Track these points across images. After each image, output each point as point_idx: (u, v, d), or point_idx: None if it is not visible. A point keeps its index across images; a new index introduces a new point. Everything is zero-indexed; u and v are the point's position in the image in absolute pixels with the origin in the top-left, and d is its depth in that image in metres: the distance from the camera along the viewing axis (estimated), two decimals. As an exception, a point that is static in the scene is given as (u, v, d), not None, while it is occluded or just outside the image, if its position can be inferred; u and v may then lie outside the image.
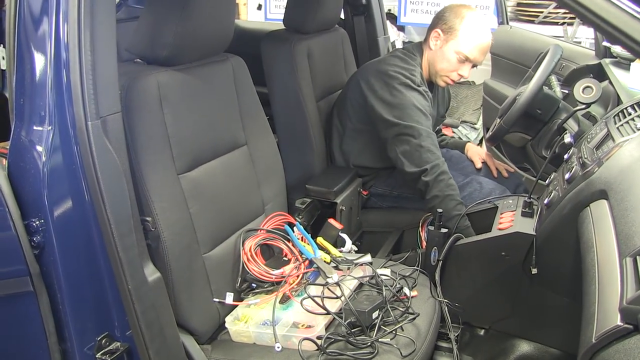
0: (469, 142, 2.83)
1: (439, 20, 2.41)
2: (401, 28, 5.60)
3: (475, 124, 4.90)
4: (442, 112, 2.76)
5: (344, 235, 2.13)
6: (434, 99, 2.58)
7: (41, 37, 1.31)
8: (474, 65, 2.41)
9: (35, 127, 1.33)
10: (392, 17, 5.32)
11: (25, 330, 1.40)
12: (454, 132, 4.66)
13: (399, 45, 5.09)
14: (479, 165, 2.65)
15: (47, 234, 1.32)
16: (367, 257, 1.99)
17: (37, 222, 1.31)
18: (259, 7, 6.47)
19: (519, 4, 4.73)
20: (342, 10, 2.99)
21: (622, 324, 0.93)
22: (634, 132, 1.53)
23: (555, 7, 4.30)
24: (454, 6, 2.42)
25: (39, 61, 1.32)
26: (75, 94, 1.28)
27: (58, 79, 1.30)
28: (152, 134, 1.63)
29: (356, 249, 2.16)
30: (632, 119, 1.63)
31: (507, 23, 3.81)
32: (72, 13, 1.27)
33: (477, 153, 2.70)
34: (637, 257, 1.00)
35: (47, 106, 1.32)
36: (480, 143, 4.66)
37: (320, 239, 2.05)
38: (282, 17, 2.61)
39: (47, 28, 1.30)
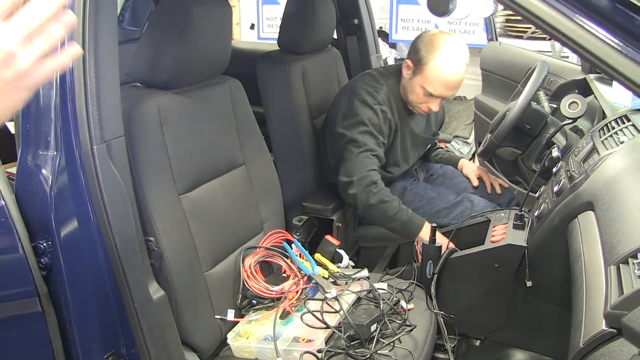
0: (462, 157, 2.86)
1: (412, 49, 2.37)
2: (393, 45, 5.67)
3: (468, 138, 4.96)
4: (434, 130, 2.76)
5: (341, 251, 2.16)
6: (422, 118, 2.60)
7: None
8: (444, 99, 2.40)
9: (41, 152, 1.38)
10: (384, 35, 5.39)
11: (33, 349, 1.43)
12: (446, 146, 4.68)
13: (390, 62, 5.17)
14: (475, 182, 2.65)
15: (54, 255, 1.36)
16: (364, 272, 2.03)
17: (45, 244, 1.36)
18: (252, 27, 6.55)
19: (507, 20, 4.83)
20: (335, 30, 3.05)
21: (606, 328, 0.97)
22: (618, 145, 1.58)
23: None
24: (429, 36, 2.35)
25: (45, 87, 1.36)
26: (81, 119, 1.33)
27: (63, 104, 1.35)
28: (154, 156, 1.67)
29: (353, 264, 2.20)
30: (616, 133, 1.70)
31: (497, 39, 3.88)
32: (77, 40, 1.32)
33: (473, 170, 2.71)
34: (620, 265, 1.05)
35: (52, 131, 1.37)
36: (472, 157, 4.71)
37: (318, 255, 2.08)
38: (274, 36, 2.66)
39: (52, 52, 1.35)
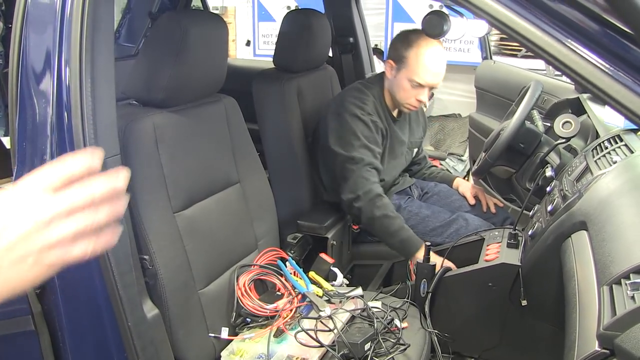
0: (457, 177, 2.88)
1: (391, 50, 2.50)
2: (388, 63, 5.69)
3: (462, 155, 4.98)
4: (419, 135, 2.80)
5: (335, 270, 2.16)
6: (405, 124, 2.66)
7: (43, 81, 1.37)
8: (432, 88, 2.45)
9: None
10: (379, 52, 5.43)
11: (26, 368, 1.43)
12: (441, 164, 4.73)
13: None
14: (472, 201, 2.67)
15: (48, 273, 1.36)
16: (359, 290, 2.03)
17: (40, 262, 1.35)
18: (248, 43, 6.57)
19: (501, 39, 4.86)
20: (331, 48, 3.07)
21: (599, 349, 0.98)
22: (610, 165, 1.60)
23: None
24: (403, 33, 2.49)
25: (41, 105, 1.37)
26: (77, 137, 1.33)
27: (60, 122, 1.35)
28: (149, 174, 1.67)
29: (347, 282, 2.20)
30: (609, 153, 1.71)
31: (491, 58, 3.91)
32: (74, 59, 1.33)
33: (468, 189, 2.74)
34: (613, 285, 1.05)
35: (48, 149, 1.37)
36: (467, 175, 4.72)
37: (312, 273, 2.08)
38: (270, 52, 2.68)
39: (50, 73, 1.36)
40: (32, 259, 0.68)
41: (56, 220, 0.69)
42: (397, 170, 2.66)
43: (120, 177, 0.73)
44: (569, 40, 1.02)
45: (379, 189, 2.32)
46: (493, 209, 2.63)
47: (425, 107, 2.52)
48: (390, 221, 2.26)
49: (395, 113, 2.58)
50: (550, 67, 4.05)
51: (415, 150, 2.81)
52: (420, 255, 2.17)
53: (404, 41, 2.43)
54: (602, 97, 0.98)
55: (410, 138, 2.71)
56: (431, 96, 2.53)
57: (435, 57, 2.38)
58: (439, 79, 2.42)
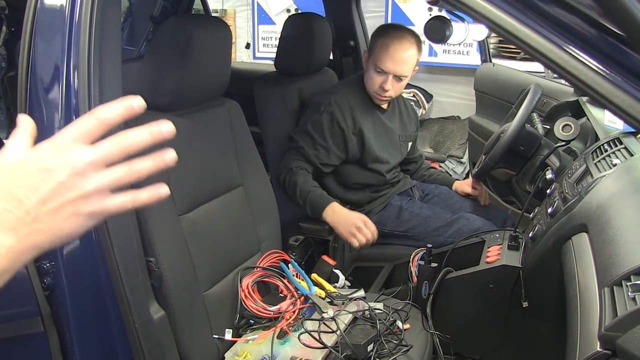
0: (457, 179, 2.90)
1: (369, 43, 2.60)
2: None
3: (462, 158, 4.99)
4: (412, 130, 2.84)
5: (337, 272, 2.18)
6: (394, 116, 2.72)
7: (52, 87, 1.38)
8: (398, 78, 2.48)
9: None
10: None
11: (35, 369, 1.44)
12: (440, 166, 4.74)
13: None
14: (475, 193, 2.76)
15: (57, 275, 1.38)
16: (361, 292, 2.05)
17: (48, 264, 1.37)
18: (247, 46, 6.57)
19: (500, 41, 4.87)
20: (332, 52, 3.08)
21: (601, 350, 0.99)
22: (610, 167, 1.61)
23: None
24: (378, 27, 2.59)
25: (50, 110, 1.38)
26: (85, 142, 1.35)
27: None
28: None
29: (349, 284, 2.22)
30: (609, 155, 1.73)
31: (490, 61, 3.92)
32: (82, 64, 1.34)
33: (467, 184, 2.79)
34: (614, 287, 1.07)
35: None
36: (466, 177, 4.74)
37: (314, 275, 2.10)
38: (270, 55, 2.71)
39: (58, 79, 1.37)
40: (69, 209, 0.69)
41: (92, 170, 0.70)
42: (391, 159, 2.68)
43: (162, 127, 0.74)
44: (568, 45, 1.04)
45: (298, 164, 2.41)
46: (485, 202, 2.72)
47: (391, 96, 2.55)
48: (297, 186, 2.34)
49: (384, 105, 2.64)
50: (550, 71, 4.08)
51: (410, 144, 2.83)
52: (330, 211, 2.27)
53: (376, 33, 2.54)
54: (601, 102, 1.00)
55: (402, 131, 2.75)
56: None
57: (398, 46, 2.43)
58: (401, 68, 2.45)
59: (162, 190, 0.76)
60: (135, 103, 0.74)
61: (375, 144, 2.57)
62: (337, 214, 2.27)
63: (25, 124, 0.76)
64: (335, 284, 2.14)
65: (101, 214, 0.72)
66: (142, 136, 0.73)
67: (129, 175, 0.72)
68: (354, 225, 2.23)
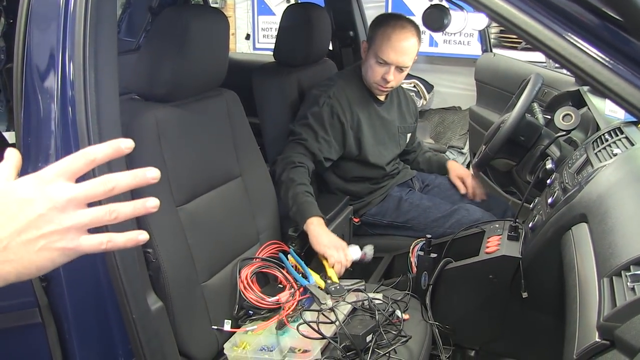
0: (450, 160, 2.88)
1: (367, 34, 2.57)
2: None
3: (462, 148, 4.99)
4: (410, 121, 2.82)
5: (353, 246, 2.22)
6: (392, 107, 2.69)
7: (48, 77, 1.37)
8: (400, 68, 2.46)
9: (41, 165, 1.38)
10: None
11: (32, 360, 1.44)
12: (441, 157, 4.73)
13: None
14: (463, 191, 2.71)
15: (54, 266, 1.37)
16: (361, 282, 2.04)
17: (46, 256, 1.36)
18: (247, 37, 6.56)
19: (501, 31, 4.85)
20: (331, 42, 3.07)
21: (600, 340, 0.98)
22: (611, 157, 1.60)
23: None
24: (377, 16, 2.56)
25: (46, 101, 1.37)
26: (81, 132, 1.34)
27: (64, 118, 1.35)
28: (151, 166, 1.68)
29: (368, 252, 2.26)
30: (609, 145, 1.71)
31: (491, 51, 3.91)
32: (78, 54, 1.33)
33: (459, 176, 2.77)
34: (613, 277, 1.06)
35: (53, 144, 1.38)
36: (467, 167, 4.74)
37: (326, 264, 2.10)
38: (270, 46, 2.69)
39: (54, 69, 1.36)
40: (42, 242, 0.69)
41: (72, 207, 0.70)
42: (390, 151, 2.67)
43: (147, 174, 0.75)
44: (568, 34, 1.03)
45: (299, 158, 2.33)
46: (472, 197, 2.69)
47: (392, 87, 2.53)
48: (292, 186, 2.23)
49: (382, 97, 2.62)
50: (550, 60, 4.06)
51: (409, 135, 2.82)
52: (313, 226, 2.14)
53: (375, 23, 2.50)
54: (602, 90, 0.99)
55: (401, 123, 2.73)
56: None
57: (400, 36, 2.41)
58: (404, 59, 2.43)
59: (140, 237, 0.76)
60: (124, 144, 0.74)
61: (372, 139, 2.56)
62: (321, 228, 2.15)
63: (12, 156, 0.77)
64: (354, 258, 2.17)
65: (74, 252, 0.72)
66: (126, 179, 0.73)
67: (107, 216, 0.72)
68: (334, 245, 2.11)
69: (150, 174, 0.75)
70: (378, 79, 2.47)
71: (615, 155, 1.61)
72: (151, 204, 0.75)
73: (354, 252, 2.19)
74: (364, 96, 2.55)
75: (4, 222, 0.68)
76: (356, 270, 2.52)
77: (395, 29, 2.40)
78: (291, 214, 2.22)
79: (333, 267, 2.07)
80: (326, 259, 2.09)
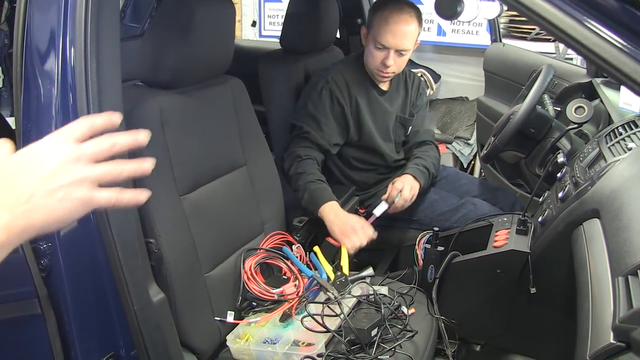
0: (406, 174, 2.53)
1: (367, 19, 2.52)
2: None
3: (469, 139, 4.93)
4: (411, 111, 2.69)
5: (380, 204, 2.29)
6: (396, 97, 2.61)
7: (48, 62, 1.34)
8: (400, 52, 2.39)
9: (41, 152, 1.36)
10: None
11: (32, 351, 1.42)
12: (447, 147, 4.69)
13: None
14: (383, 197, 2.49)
15: (54, 256, 1.34)
16: (369, 270, 2.02)
17: (45, 245, 1.34)
18: (254, 24, 6.51)
19: (511, 21, 4.79)
20: (338, 29, 3.03)
21: (615, 342, 0.95)
22: (625, 152, 1.57)
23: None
24: (376, 2, 2.49)
25: (46, 86, 1.34)
26: (82, 119, 1.31)
27: (65, 103, 1.33)
28: (154, 157, 1.65)
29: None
30: (623, 139, 1.68)
31: (500, 41, 3.86)
32: (79, 39, 1.29)
33: (394, 182, 2.48)
34: (629, 276, 1.03)
35: (53, 130, 1.34)
36: (474, 158, 4.70)
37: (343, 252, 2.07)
38: (276, 33, 2.65)
39: (54, 53, 1.33)
40: (62, 192, 0.75)
41: (83, 161, 0.77)
42: (390, 139, 2.61)
43: (141, 134, 0.83)
44: (589, 20, 0.98)
45: (304, 151, 2.30)
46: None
47: (394, 72, 2.46)
48: (302, 176, 2.22)
49: (385, 87, 2.56)
50: (561, 51, 4.02)
51: (410, 128, 2.72)
52: (328, 210, 2.14)
53: (374, 7, 2.45)
54: (619, 77, 0.94)
55: (401, 113, 2.65)
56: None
57: (398, 19, 2.34)
58: (403, 42, 2.36)
59: (141, 196, 0.85)
60: (115, 118, 0.83)
61: (372, 125, 2.51)
62: (335, 213, 2.13)
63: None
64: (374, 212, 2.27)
65: (90, 203, 0.78)
66: (124, 138, 0.81)
67: (113, 171, 0.79)
68: (351, 226, 2.09)
69: (140, 136, 0.83)
70: (378, 64, 2.41)
71: (629, 149, 1.57)
72: (148, 165, 0.84)
73: (381, 208, 2.27)
74: (364, 82, 2.50)
75: (28, 174, 0.75)
76: (362, 262, 2.50)
77: (393, 12, 2.34)
78: (303, 203, 2.19)
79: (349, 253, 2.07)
80: (326, 258, 2.08)
